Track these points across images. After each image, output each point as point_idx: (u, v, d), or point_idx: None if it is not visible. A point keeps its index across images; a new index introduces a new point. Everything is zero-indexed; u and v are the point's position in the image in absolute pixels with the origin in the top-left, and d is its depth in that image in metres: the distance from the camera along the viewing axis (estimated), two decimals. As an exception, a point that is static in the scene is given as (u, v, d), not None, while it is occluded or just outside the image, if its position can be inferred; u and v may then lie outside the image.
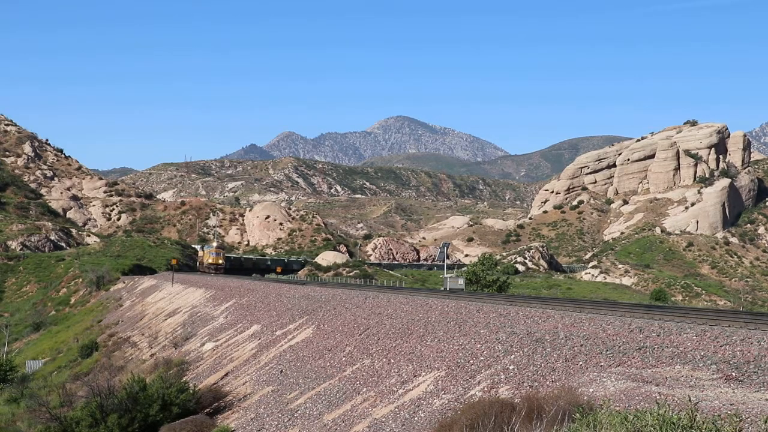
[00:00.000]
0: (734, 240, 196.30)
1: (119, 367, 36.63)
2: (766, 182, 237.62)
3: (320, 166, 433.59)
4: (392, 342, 20.33)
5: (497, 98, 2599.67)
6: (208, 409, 22.32)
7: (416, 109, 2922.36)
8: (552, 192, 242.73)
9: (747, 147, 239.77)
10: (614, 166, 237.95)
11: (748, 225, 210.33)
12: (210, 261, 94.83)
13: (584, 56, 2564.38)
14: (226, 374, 26.18)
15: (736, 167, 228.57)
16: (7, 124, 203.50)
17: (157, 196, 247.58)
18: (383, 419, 14.90)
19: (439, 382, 15.60)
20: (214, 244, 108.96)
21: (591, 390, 11.54)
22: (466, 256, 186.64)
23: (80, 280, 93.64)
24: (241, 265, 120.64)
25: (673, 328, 14.46)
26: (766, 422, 7.58)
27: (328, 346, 23.14)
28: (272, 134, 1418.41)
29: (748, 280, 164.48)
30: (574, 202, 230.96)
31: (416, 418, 14.15)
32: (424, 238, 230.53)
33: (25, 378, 47.19)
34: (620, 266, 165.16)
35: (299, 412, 18.19)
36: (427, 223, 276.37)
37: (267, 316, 32.88)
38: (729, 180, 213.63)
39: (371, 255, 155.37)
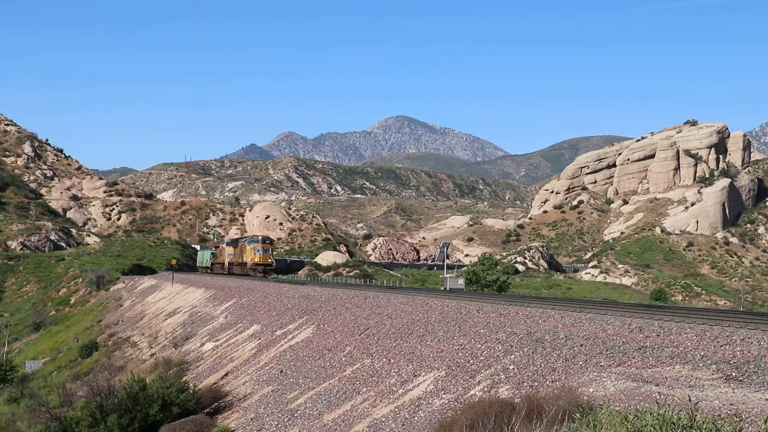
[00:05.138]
0: (734, 240, 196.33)
1: (119, 367, 36.64)
2: (766, 182, 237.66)
3: (320, 166, 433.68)
4: (392, 342, 20.33)
5: (497, 98, 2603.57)
6: (208, 409, 22.33)
7: (416, 109, 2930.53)
8: (552, 192, 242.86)
9: (747, 147, 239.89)
10: (614, 166, 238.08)
11: (748, 225, 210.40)
12: (257, 260, 67.65)
13: (584, 56, 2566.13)
14: (226, 374, 26.18)
15: (736, 167, 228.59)
16: (7, 124, 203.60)
17: (157, 196, 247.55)
18: (383, 419, 14.89)
19: (439, 382, 15.59)
20: (260, 236, 77.07)
21: (591, 390, 11.53)
22: (466, 256, 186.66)
23: (80, 280, 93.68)
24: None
25: (673, 328, 14.44)
26: (766, 422, 7.58)
27: (328, 346, 23.13)
28: (272, 134, 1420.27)
29: (748, 280, 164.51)
30: (574, 202, 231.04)
31: (416, 418, 14.15)
32: (424, 238, 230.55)
33: (25, 378, 47.22)
34: (620, 266, 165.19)
35: (299, 412, 18.19)
36: (427, 223, 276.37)
37: (267, 316, 32.86)
38: (729, 180, 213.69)
39: (371, 255, 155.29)
